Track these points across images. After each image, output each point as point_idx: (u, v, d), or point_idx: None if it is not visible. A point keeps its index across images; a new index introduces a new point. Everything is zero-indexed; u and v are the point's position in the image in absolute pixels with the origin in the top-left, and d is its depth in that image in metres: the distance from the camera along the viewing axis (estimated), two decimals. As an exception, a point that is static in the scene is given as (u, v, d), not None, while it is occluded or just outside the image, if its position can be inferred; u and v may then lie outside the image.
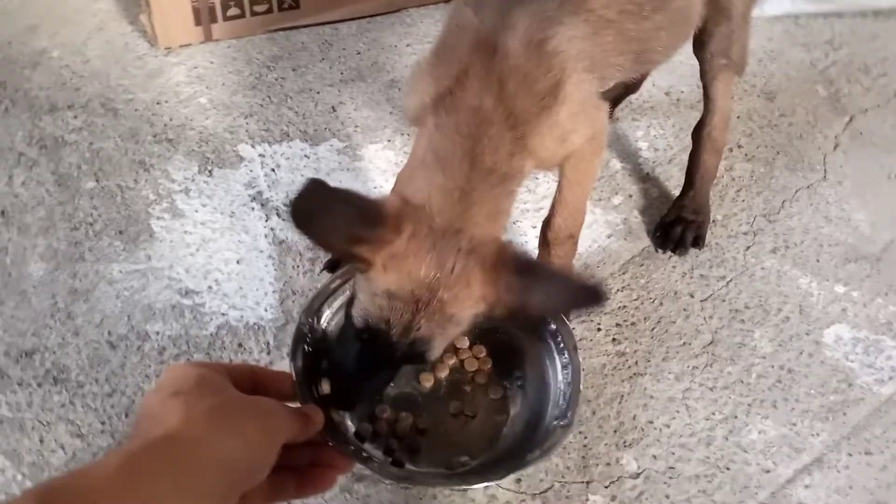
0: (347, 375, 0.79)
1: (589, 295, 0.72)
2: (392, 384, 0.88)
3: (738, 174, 1.25)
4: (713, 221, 1.17)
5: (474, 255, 0.73)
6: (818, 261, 1.14)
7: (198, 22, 1.40)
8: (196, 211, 1.15)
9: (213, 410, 0.57)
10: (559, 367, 0.87)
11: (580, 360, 0.86)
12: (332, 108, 1.32)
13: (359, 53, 1.43)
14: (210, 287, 1.06)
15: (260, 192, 1.18)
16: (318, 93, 1.34)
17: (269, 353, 1.00)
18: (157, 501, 0.51)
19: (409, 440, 0.88)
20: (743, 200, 1.22)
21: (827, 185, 1.25)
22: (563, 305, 0.78)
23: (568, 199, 0.95)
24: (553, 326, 0.88)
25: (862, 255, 1.15)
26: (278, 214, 1.15)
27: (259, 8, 1.44)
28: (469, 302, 0.74)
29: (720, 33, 1.04)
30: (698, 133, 1.14)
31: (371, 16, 1.50)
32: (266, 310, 1.04)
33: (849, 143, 1.33)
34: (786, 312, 1.07)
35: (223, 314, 1.03)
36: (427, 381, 0.92)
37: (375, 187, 1.19)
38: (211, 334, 1.00)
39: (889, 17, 1.58)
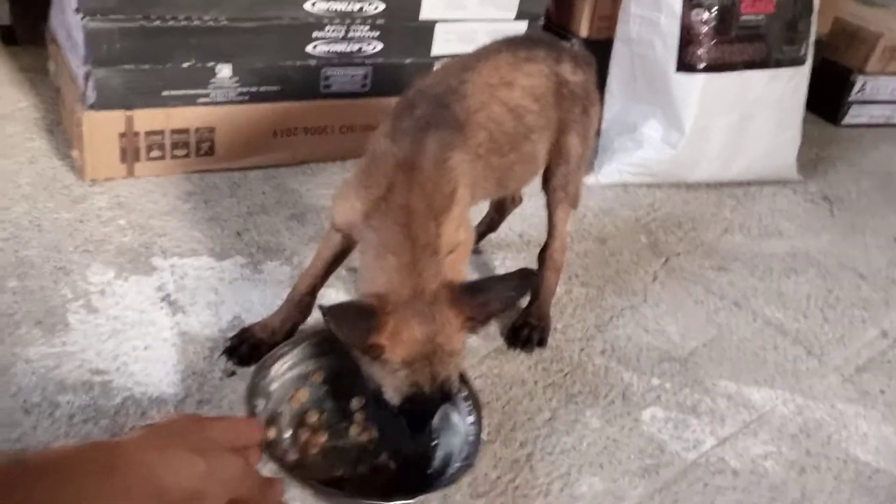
0: (410, 441, 1.02)
1: (521, 278, 1.02)
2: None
3: (576, 295, 1.53)
4: (554, 329, 1.42)
5: (440, 302, 0.97)
6: (638, 360, 1.40)
7: (123, 160, 1.62)
8: (109, 308, 1.30)
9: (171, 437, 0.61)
10: (469, 422, 1.11)
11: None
12: (238, 233, 1.53)
13: (264, 193, 1.67)
14: (118, 368, 1.19)
15: (168, 295, 1.34)
16: (225, 221, 1.56)
17: (168, 422, 1.12)
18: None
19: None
20: (579, 315, 1.48)
21: (647, 306, 1.54)
22: (512, 296, 1.04)
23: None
24: (465, 393, 1.11)
25: (673, 357, 1.42)
26: (183, 312, 1.31)
27: (179, 152, 1.67)
28: (458, 335, 0.98)
29: (560, 173, 1.35)
30: (542, 255, 1.42)
31: (276, 166, 1.77)
32: (168, 386, 1.17)
33: (665, 277, 1.65)
34: (611, 397, 1.30)
35: (129, 388, 1.15)
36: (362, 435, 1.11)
37: (273, 294, 1.38)
38: (117, 404, 1.13)
39: (697, 189, 2.00)
